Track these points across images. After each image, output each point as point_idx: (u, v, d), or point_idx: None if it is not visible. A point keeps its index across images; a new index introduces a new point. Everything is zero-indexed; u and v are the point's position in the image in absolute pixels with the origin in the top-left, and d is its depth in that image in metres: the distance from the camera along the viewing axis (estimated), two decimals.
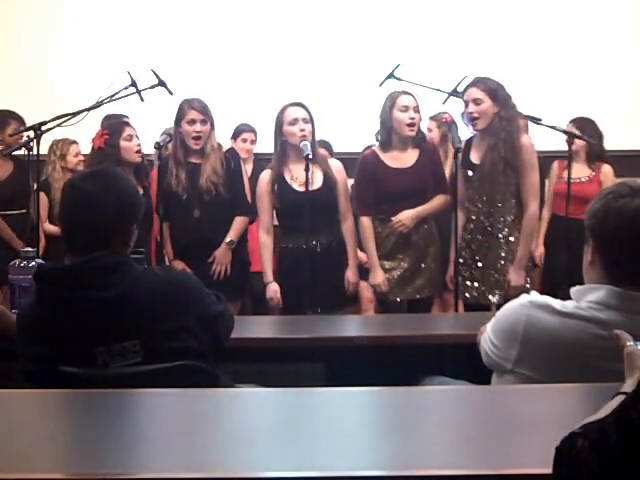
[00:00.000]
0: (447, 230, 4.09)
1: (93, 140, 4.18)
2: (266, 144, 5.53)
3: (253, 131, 5.45)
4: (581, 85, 6.10)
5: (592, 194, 4.66)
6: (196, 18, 6.23)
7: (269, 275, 3.99)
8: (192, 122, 3.99)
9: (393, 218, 3.93)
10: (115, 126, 4.19)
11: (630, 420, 0.99)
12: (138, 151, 4.12)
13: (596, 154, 5.07)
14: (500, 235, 3.83)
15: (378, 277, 3.97)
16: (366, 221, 3.99)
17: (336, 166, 4.03)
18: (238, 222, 4.06)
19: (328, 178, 3.96)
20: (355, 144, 5.24)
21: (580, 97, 5.97)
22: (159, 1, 6.30)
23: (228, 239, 4.01)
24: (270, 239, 4.05)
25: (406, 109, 3.91)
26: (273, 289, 3.97)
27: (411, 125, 3.92)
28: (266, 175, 4.02)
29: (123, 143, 4.08)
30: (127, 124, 4.26)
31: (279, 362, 2.72)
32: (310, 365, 2.72)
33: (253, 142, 5.45)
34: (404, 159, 3.99)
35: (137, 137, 4.15)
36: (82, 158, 4.95)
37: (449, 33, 6.15)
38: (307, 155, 3.73)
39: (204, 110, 4.02)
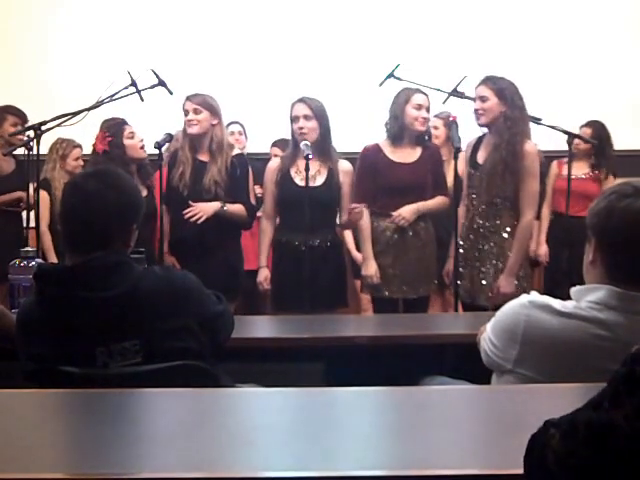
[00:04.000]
0: (445, 228, 4.09)
1: (94, 145, 4.20)
2: (263, 144, 5.56)
3: (238, 124, 5.45)
4: (581, 85, 6.09)
5: (592, 190, 4.76)
6: (197, 18, 6.22)
7: (263, 260, 4.07)
8: (186, 113, 4.03)
9: (393, 213, 3.92)
10: (115, 127, 4.21)
11: (597, 420, 1.02)
12: (142, 147, 4.17)
13: (600, 161, 5.10)
14: (491, 238, 3.82)
15: (370, 268, 3.96)
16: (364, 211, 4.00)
17: (345, 168, 4.04)
18: (239, 206, 4.01)
19: (332, 177, 3.97)
20: (354, 144, 5.23)
21: (580, 97, 5.98)
22: (159, 1, 6.29)
23: (224, 205, 3.97)
24: (270, 226, 4.07)
25: (419, 107, 3.97)
26: (263, 274, 4.05)
27: (422, 122, 3.98)
28: (274, 163, 4.11)
29: (127, 142, 4.13)
30: (125, 123, 4.28)
31: (279, 362, 2.72)
32: (310, 365, 2.72)
33: (240, 134, 5.42)
34: (407, 154, 4.01)
35: (137, 134, 4.20)
36: (82, 163, 4.95)
37: (449, 33, 6.15)
38: (307, 155, 3.75)
39: (200, 102, 4.02)
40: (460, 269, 3.82)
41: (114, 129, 4.17)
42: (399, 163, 3.99)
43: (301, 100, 3.98)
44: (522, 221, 3.80)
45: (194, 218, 3.91)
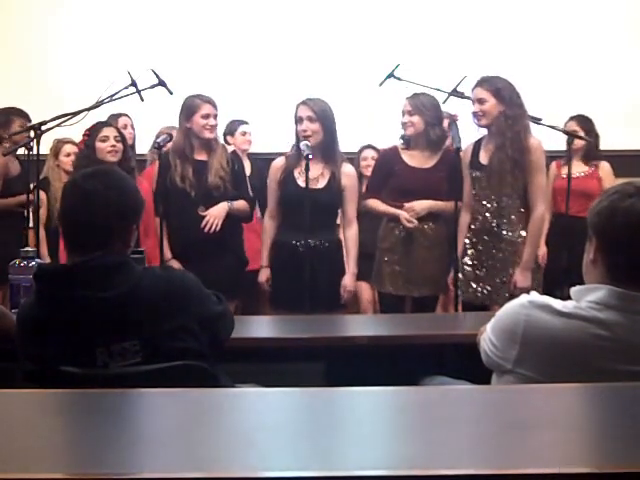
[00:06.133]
0: (452, 231, 4.10)
1: (79, 142, 4.35)
2: (264, 144, 5.56)
3: (248, 124, 5.48)
4: (581, 85, 6.09)
5: (591, 189, 4.76)
6: (196, 18, 6.22)
7: (265, 260, 4.07)
8: (207, 116, 4.04)
9: (406, 204, 3.96)
10: (95, 127, 4.27)
11: None
12: (110, 152, 4.17)
13: (593, 153, 5.11)
14: (505, 235, 3.83)
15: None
16: (373, 200, 4.09)
17: (348, 172, 4.06)
18: (242, 202, 4.10)
19: (334, 180, 3.98)
20: (353, 144, 5.23)
21: (580, 97, 5.97)
22: (159, 1, 6.29)
23: (229, 202, 4.04)
24: (273, 225, 4.09)
25: (402, 113, 4.04)
26: (265, 274, 4.06)
27: (404, 126, 4.05)
28: (279, 162, 4.11)
29: (98, 144, 4.17)
30: (107, 125, 4.33)
31: (279, 362, 2.72)
32: (310, 365, 2.72)
33: (250, 135, 5.46)
34: (424, 159, 4.06)
35: (116, 138, 4.21)
36: (73, 158, 4.96)
37: (449, 33, 6.15)
38: (307, 155, 3.76)
39: (215, 106, 4.08)
40: (477, 273, 3.86)
41: (94, 129, 4.24)
42: (414, 167, 4.04)
43: (305, 102, 3.99)
44: (534, 215, 3.82)
45: (213, 228, 3.96)
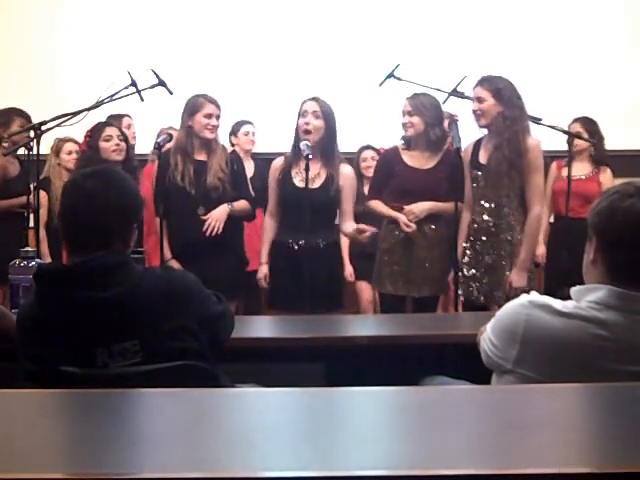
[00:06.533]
0: (452, 231, 4.10)
1: (81, 144, 4.37)
2: (265, 144, 5.56)
3: (252, 124, 5.49)
4: (581, 85, 6.10)
5: (591, 192, 4.76)
6: (196, 18, 6.23)
7: (264, 257, 4.08)
8: (209, 116, 4.04)
9: (405, 207, 3.95)
10: (97, 127, 4.30)
11: None
12: (115, 150, 4.22)
13: (599, 156, 5.10)
14: (503, 236, 3.83)
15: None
16: (375, 201, 4.10)
17: (346, 172, 4.06)
18: (243, 202, 4.10)
19: (331, 181, 3.98)
20: (353, 144, 5.23)
21: (580, 97, 5.98)
22: (159, 1, 6.29)
23: (229, 204, 4.05)
24: (273, 224, 4.10)
25: (403, 114, 4.03)
26: (263, 271, 4.07)
27: (404, 127, 4.04)
28: (278, 162, 4.11)
29: (102, 144, 4.22)
30: (108, 124, 4.37)
31: (279, 362, 2.72)
32: (310, 365, 2.72)
33: (254, 135, 5.47)
34: (424, 160, 4.06)
35: (119, 137, 4.26)
36: (75, 156, 4.96)
37: (449, 33, 6.15)
38: (307, 155, 3.75)
39: (219, 108, 4.08)
40: (475, 273, 3.86)
41: (96, 130, 4.28)
42: (414, 168, 4.04)
43: (313, 98, 4.00)
44: (530, 215, 3.82)
45: (214, 231, 3.96)
